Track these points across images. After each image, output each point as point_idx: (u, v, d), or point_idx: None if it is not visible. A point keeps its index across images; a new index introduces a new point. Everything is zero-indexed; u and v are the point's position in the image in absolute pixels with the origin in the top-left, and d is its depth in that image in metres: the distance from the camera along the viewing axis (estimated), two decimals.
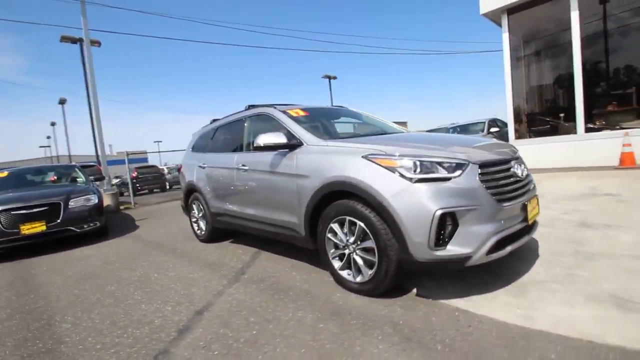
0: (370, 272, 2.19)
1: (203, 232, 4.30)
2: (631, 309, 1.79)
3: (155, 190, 18.32)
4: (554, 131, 7.50)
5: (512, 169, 2.24)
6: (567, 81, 7.06)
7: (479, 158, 2.08)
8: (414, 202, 1.92)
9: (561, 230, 3.16)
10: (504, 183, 2.12)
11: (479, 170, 2.02)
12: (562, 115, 7.32)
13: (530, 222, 2.25)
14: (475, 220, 1.93)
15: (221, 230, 4.14)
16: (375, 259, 2.12)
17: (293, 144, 2.72)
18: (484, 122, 9.31)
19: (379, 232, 2.07)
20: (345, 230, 2.31)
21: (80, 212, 5.04)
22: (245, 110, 3.67)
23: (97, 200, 5.35)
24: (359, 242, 2.24)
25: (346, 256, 2.35)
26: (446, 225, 1.92)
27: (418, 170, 1.98)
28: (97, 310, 2.54)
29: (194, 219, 4.49)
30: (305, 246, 2.75)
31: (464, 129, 9.84)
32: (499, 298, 2.07)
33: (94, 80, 8.86)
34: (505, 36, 7.61)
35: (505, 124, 10.09)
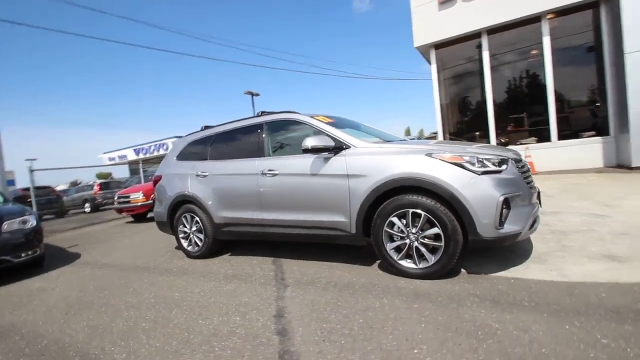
0: (434, 257, 2.48)
1: (198, 247, 3.95)
2: (622, 260, 2.49)
3: (46, 217, 15.03)
4: None
5: (525, 165, 2.86)
6: (481, 106, 8.78)
7: (511, 155, 2.62)
8: (482, 191, 2.32)
9: None
10: (527, 175, 2.71)
11: (516, 164, 2.55)
12: (477, 133, 9.02)
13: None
14: (520, 203, 2.43)
15: (220, 243, 3.91)
16: (441, 244, 2.43)
17: (340, 147, 2.88)
18: (415, 138, 10.79)
19: (445, 219, 2.39)
20: (405, 221, 2.57)
21: (16, 238, 4.05)
22: (258, 116, 3.64)
23: (35, 223, 4.37)
24: (421, 232, 2.52)
25: (407, 246, 2.59)
26: (504, 208, 2.36)
27: (478, 165, 2.40)
28: (144, 335, 2.19)
29: (182, 235, 4.09)
30: (352, 244, 2.89)
31: None
32: (531, 267, 2.60)
33: None
34: (434, 67, 9.11)
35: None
